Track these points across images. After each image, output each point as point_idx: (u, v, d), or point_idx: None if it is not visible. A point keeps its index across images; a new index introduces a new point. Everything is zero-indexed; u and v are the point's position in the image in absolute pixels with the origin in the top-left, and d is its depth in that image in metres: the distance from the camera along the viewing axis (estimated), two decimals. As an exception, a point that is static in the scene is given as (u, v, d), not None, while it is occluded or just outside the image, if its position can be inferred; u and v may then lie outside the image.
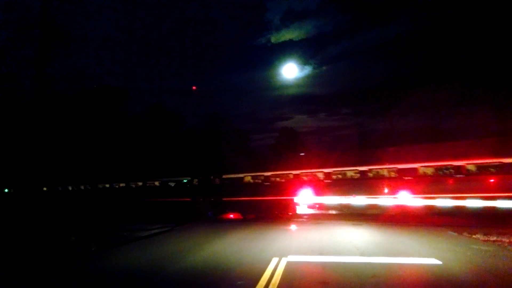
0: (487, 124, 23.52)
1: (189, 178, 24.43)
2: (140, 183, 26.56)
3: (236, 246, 10.23)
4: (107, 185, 28.02)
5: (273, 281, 6.38)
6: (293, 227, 14.61)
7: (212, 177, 23.79)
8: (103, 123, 29.89)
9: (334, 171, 19.99)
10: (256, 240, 11.19)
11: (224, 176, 23.44)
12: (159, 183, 25.64)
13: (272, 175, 21.99)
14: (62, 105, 26.70)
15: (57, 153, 25.60)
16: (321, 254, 8.77)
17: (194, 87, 39.62)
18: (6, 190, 28.67)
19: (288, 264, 7.68)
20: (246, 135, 45.11)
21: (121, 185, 27.51)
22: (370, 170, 19.28)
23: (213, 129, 38.82)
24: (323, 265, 7.70)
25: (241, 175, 22.81)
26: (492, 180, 16.04)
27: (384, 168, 18.89)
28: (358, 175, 19.50)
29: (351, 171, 19.75)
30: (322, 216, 17.90)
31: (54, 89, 26.14)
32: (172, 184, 24.96)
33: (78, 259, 9.16)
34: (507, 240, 10.17)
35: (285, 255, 8.47)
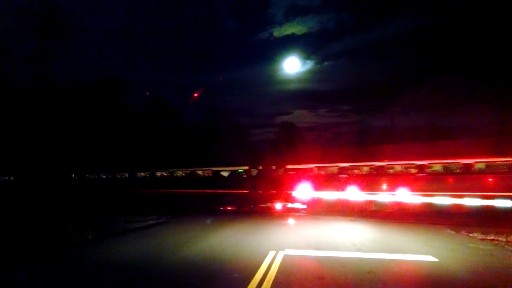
0: (487, 123, 23.49)
1: (246, 168, 22.20)
2: (180, 172, 24.51)
3: (233, 239, 10.23)
4: (145, 173, 25.92)
5: (269, 274, 6.37)
6: (290, 221, 14.61)
7: (274, 167, 21.67)
8: (104, 114, 29.79)
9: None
10: (253, 234, 11.20)
11: (289, 167, 21.15)
12: (211, 172, 23.28)
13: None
14: (61, 97, 26.66)
15: (68, 144, 25.66)
16: (318, 248, 8.77)
17: (195, 94, 39.59)
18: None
19: (285, 257, 7.67)
20: (245, 130, 45.13)
21: (163, 173, 25.55)
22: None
23: (214, 123, 38.88)
24: (320, 259, 7.69)
25: (311, 165, 20.68)
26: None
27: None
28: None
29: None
30: (320, 211, 17.90)
31: (55, 81, 26.20)
32: (226, 174, 23.01)
33: (75, 249, 9.16)
34: (504, 239, 10.17)
35: (282, 249, 8.47)
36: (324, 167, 20.09)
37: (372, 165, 18.91)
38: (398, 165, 18.54)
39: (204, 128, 38.42)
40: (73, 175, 28.83)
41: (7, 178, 29.49)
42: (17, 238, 10.36)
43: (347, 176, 19.08)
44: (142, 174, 25.16)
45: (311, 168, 20.35)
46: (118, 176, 26.08)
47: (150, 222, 14.10)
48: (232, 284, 6.00)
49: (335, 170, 19.71)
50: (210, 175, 22.99)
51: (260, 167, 21.81)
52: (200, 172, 23.36)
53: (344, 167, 19.49)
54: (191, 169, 23.54)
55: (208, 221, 14.70)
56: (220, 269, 6.90)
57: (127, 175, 25.50)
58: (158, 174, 24.16)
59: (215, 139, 34.15)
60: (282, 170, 21.30)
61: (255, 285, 5.79)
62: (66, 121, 25.61)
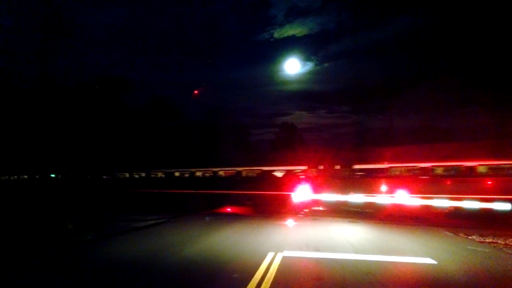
0: (485, 126, 23.48)
1: (304, 168, 20.07)
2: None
3: (232, 240, 10.26)
4: (183, 173, 24.77)
5: (268, 275, 6.40)
6: (290, 222, 14.64)
7: (338, 167, 19.30)
8: (107, 113, 29.77)
9: (410, 166, 18.31)
10: (252, 234, 11.22)
11: (357, 166, 18.60)
12: (258, 173, 21.38)
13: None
14: (62, 95, 26.70)
15: (74, 143, 25.67)
16: (317, 250, 8.79)
17: (196, 91, 39.57)
18: (53, 175, 28.33)
19: (284, 259, 7.69)
20: (246, 130, 45.18)
21: (205, 174, 23.90)
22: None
23: (215, 122, 38.98)
24: (318, 261, 7.72)
25: (382, 165, 18.21)
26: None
27: (381, 167, 18.50)
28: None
29: (431, 167, 17.84)
30: (319, 213, 17.91)
31: (58, 79, 26.21)
32: (280, 174, 21.19)
33: (77, 248, 9.19)
34: (503, 242, 10.21)
35: (281, 250, 8.49)
36: (400, 167, 17.92)
37: (460, 165, 17.01)
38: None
39: (205, 127, 38.50)
40: (103, 175, 28.37)
41: (16, 177, 29.68)
42: (19, 236, 10.39)
43: (428, 177, 17.33)
44: (178, 174, 24.50)
45: (384, 168, 18.11)
46: (153, 175, 25.45)
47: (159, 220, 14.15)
48: (231, 284, 6.03)
49: (413, 170, 17.59)
50: (255, 175, 21.46)
51: (321, 167, 19.76)
52: (244, 173, 21.94)
53: (425, 168, 17.55)
54: (237, 169, 22.11)
55: (208, 220, 14.77)
56: (220, 269, 6.93)
57: (163, 174, 24.89)
58: (199, 174, 23.35)
59: (217, 138, 34.24)
60: (348, 170, 19.02)
61: (254, 286, 5.81)
62: (70, 120, 25.62)
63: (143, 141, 30.59)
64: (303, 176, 19.87)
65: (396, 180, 17.48)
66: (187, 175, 23.97)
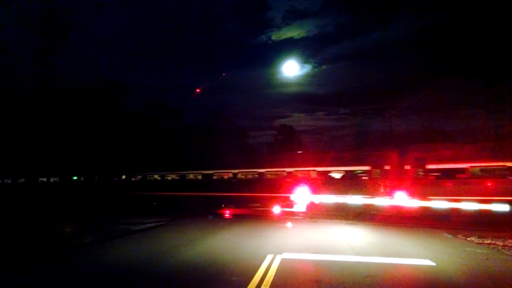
0: (485, 127, 23.50)
1: (367, 168, 18.05)
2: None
3: (231, 242, 10.24)
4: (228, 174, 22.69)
5: (267, 277, 6.38)
6: (288, 224, 14.62)
7: (409, 167, 16.90)
8: (105, 116, 29.70)
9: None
10: (251, 237, 11.20)
11: (432, 166, 16.30)
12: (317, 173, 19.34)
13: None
14: (63, 98, 26.66)
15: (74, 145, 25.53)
16: (316, 252, 8.78)
17: (198, 90, 39.63)
18: (75, 178, 27.97)
19: (283, 261, 7.68)
20: (244, 132, 45.29)
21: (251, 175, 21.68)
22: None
23: (213, 125, 39.08)
24: (318, 263, 7.71)
25: (463, 165, 15.81)
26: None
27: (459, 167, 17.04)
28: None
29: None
30: (318, 215, 17.89)
31: (57, 81, 26.17)
32: (338, 176, 19.19)
33: (76, 250, 9.16)
34: (501, 244, 10.22)
35: (280, 252, 8.47)
36: (482, 166, 15.82)
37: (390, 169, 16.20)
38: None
39: (204, 130, 38.56)
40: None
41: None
42: (18, 240, 10.35)
43: None
44: (215, 176, 23.57)
45: (463, 168, 15.87)
46: (188, 177, 24.55)
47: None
48: (230, 287, 6.02)
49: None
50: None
51: (388, 167, 17.61)
52: (313, 174, 19.77)
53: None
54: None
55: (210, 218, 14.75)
56: (218, 272, 6.91)
57: (200, 177, 23.92)
58: (240, 175, 22.53)
59: (216, 141, 34.27)
60: (421, 170, 16.75)
61: (253, 289, 5.80)
62: (81, 123, 25.51)
63: (149, 144, 30.57)
64: (366, 178, 17.89)
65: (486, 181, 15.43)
66: (191, 177, 23.67)
